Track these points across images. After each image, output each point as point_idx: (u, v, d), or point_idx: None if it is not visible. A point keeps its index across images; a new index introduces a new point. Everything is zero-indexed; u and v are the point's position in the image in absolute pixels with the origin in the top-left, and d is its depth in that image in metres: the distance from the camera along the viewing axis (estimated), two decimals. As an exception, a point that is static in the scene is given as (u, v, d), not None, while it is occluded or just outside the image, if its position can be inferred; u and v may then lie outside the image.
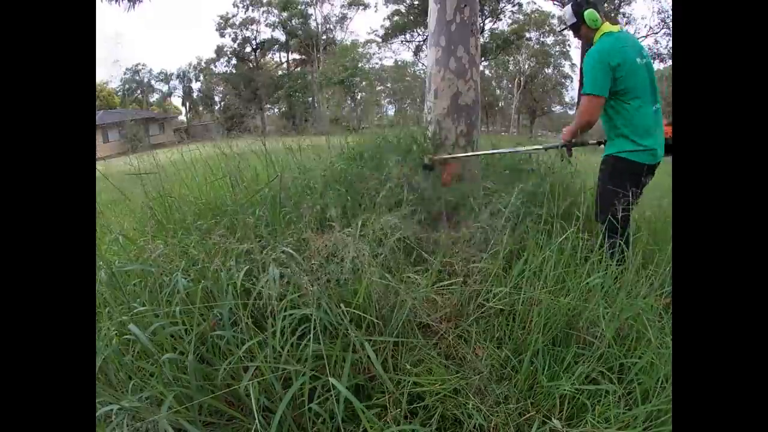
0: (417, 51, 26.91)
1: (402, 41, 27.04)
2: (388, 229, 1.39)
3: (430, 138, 2.83)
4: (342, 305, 1.12)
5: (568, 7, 2.02)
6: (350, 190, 2.11)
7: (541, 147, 2.27)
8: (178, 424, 0.95)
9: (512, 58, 29.18)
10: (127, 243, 1.73)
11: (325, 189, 2.07)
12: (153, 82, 35.96)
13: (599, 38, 1.92)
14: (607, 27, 1.92)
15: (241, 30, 30.93)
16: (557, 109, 35.18)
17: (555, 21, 26.34)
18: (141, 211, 1.95)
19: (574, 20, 1.98)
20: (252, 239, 1.50)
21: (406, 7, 25.14)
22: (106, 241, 1.81)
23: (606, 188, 1.87)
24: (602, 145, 2.05)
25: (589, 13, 1.91)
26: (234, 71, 31.84)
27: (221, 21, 30.63)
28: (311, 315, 1.05)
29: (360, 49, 28.81)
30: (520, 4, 25.10)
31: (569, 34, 2.01)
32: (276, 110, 31.98)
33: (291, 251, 1.16)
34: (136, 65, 33.90)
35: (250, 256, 1.15)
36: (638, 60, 1.82)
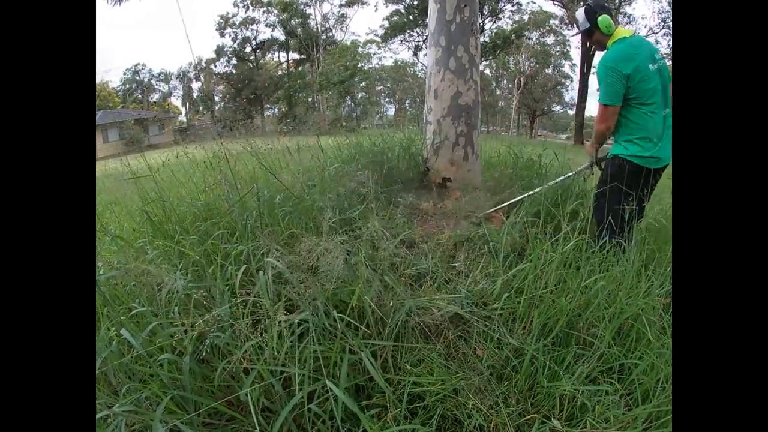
0: (417, 51, 26.88)
1: (401, 41, 26.97)
2: (381, 231, 1.38)
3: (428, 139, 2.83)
4: (338, 308, 1.11)
5: (581, 11, 1.98)
6: (346, 192, 2.11)
7: (573, 173, 2.30)
8: (176, 426, 0.95)
9: (512, 58, 29.17)
10: (126, 244, 1.73)
11: (323, 190, 2.06)
12: (153, 82, 36.05)
13: (612, 44, 1.90)
14: (620, 33, 1.90)
15: (241, 30, 30.95)
16: (557, 109, 35.24)
17: (556, 21, 26.29)
18: (138, 213, 1.95)
19: (587, 25, 1.95)
20: (249, 241, 1.50)
21: (405, 6, 25.08)
22: (104, 242, 1.80)
23: (609, 188, 1.88)
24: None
25: (603, 19, 1.89)
26: (234, 71, 31.83)
27: (221, 21, 30.66)
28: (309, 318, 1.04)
29: (360, 49, 28.79)
30: (519, 4, 25.07)
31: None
32: (276, 110, 31.98)
33: (286, 258, 1.16)
34: (136, 65, 34.00)
35: (248, 257, 1.15)
36: (651, 66, 1.81)
